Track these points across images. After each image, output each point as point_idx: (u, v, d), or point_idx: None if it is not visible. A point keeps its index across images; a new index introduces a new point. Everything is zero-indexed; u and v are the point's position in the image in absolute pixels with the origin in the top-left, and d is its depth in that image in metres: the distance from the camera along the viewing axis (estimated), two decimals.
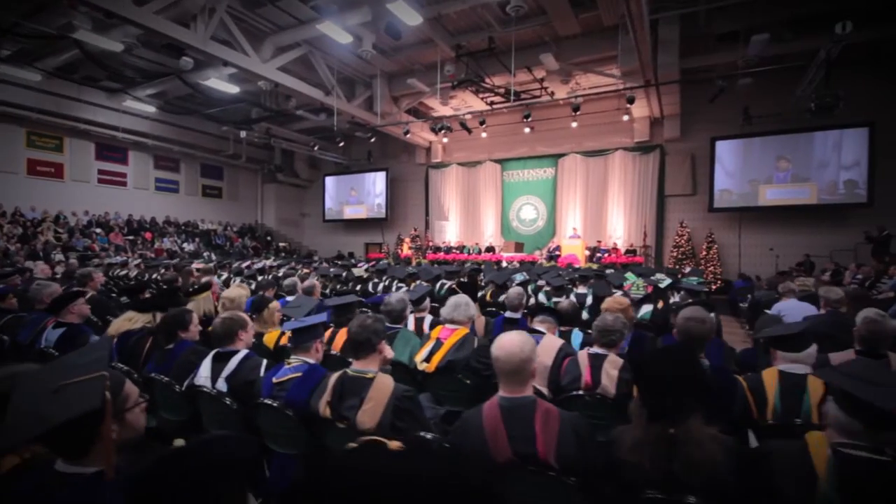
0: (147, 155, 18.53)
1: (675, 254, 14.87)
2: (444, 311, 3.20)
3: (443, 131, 14.93)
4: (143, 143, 17.84)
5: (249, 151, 21.12)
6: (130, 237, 16.44)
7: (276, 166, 17.58)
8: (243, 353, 2.52)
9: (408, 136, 17.24)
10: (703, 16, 11.25)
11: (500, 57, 13.40)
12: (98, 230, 15.78)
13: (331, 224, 22.93)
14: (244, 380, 2.42)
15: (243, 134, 16.93)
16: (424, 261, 15.67)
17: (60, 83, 14.79)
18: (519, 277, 5.31)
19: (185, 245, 17.21)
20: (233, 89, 14.32)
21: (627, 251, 15.32)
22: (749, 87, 12.79)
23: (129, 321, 3.10)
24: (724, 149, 14.10)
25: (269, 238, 21.98)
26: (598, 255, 14.59)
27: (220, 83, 13.86)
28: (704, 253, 14.52)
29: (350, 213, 21.61)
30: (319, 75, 14.52)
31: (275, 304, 3.38)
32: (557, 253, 15.01)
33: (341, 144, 17.57)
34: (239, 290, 3.51)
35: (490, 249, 17.60)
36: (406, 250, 17.23)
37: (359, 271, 6.89)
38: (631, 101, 12.75)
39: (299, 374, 2.25)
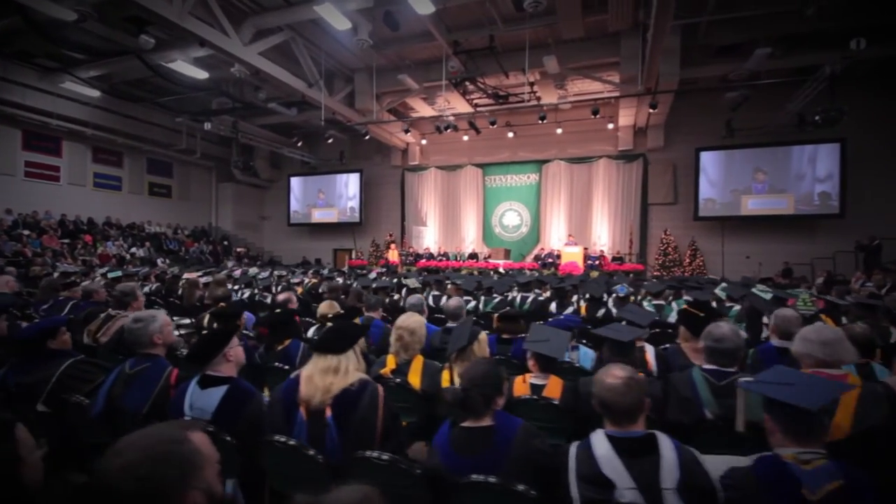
0: (84, 146, 16.16)
1: (661, 260, 15.08)
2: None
3: (448, 129, 14.20)
4: (81, 133, 15.52)
5: (204, 147, 19.19)
6: (66, 240, 14.15)
7: (244, 163, 15.92)
8: None
9: (391, 136, 16.39)
10: (704, 27, 11.43)
11: (498, 57, 12.96)
12: (27, 232, 13.41)
13: (295, 228, 21.35)
14: None
15: (208, 126, 15.19)
16: (413, 268, 14.79)
17: None
18: (622, 290, 4.75)
19: (133, 250, 15.10)
20: (200, 74, 12.78)
21: (614, 258, 15.37)
22: (735, 99, 13.28)
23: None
24: (707, 159, 14.54)
25: (225, 242, 20.01)
26: (591, 262, 14.44)
27: (186, 67, 12.31)
28: (689, 260, 14.84)
29: (319, 216, 20.20)
30: (300, 66, 13.31)
31: (484, 337, 2.54)
32: (551, 260, 14.73)
33: (330, 141, 16.41)
34: (417, 318, 2.63)
35: (473, 256, 17.05)
36: (394, 257, 16.22)
37: (412, 282, 5.98)
38: (654, 106, 12.67)
39: None
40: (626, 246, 15.95)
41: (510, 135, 16.58)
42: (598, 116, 15.75)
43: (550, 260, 14.75)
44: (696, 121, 14.76)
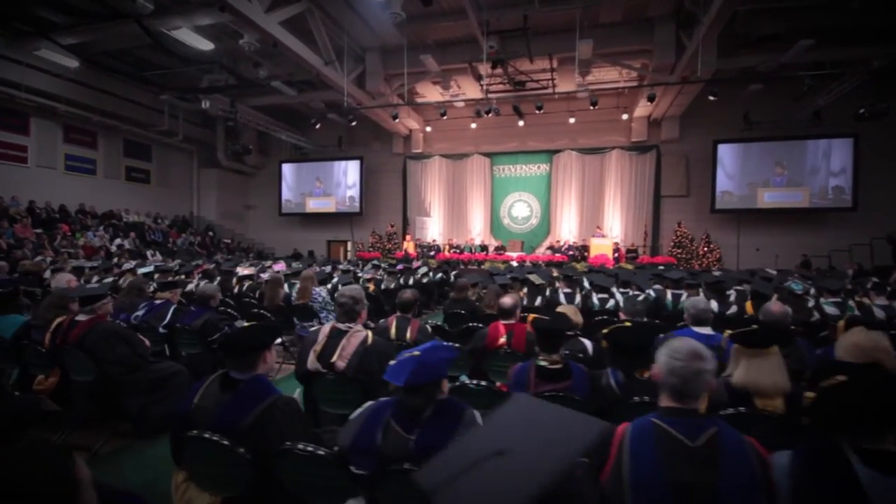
0: (55, 124, 14.30)
1: (676, 253, 15.07)
2: None
3: (489, 113, 13.48)
4: (51, 109, 13.69)
5: (186, 129, 17.58)
6: (38, 230, 12.48)
7: (242, 147, 14.58)
8: None
9: (396, 121, 15.48)
10: (743, 16, 11.26)
11: (529, 39, 12.36)
12: None
13: (284, 218, 20.03)
14: None
15: (206, 104, 13.76)
16: (433, 261, 14.07)
17: None
18: (798, 287, 4.31)
19: (119, 241, 13.54)
20: (205, 45, 11.53)
21: (629, 251, 15.22)
22: (757, 91, 13.34)
23: None
24: (725, 152, 14.58)
25: (210, 233, 18.48)
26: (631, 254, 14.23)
27: (191, 36, 11.01)
28: (704, 251, 14.91)
29: (314, 205, 19.01)
30: (313, 42, 12.22)
31: None
32: (572, 252, 14.40)
33: (353, 123, 15.23)
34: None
35: (483, 248, 16.50)
36: (411, 249, 15.41)
37: (535, 277, 5.25)
38: (651, 98, 12.47)
39: None
40: (640, 238, 15.86)
41: (521, 123, 16.04)
42: (612, 107, 15.68)
43: (572, 252, 14.39)
44: (712, 113, 14.72)
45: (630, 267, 12.24)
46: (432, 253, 16.05)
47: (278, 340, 4.85)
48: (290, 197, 19.27)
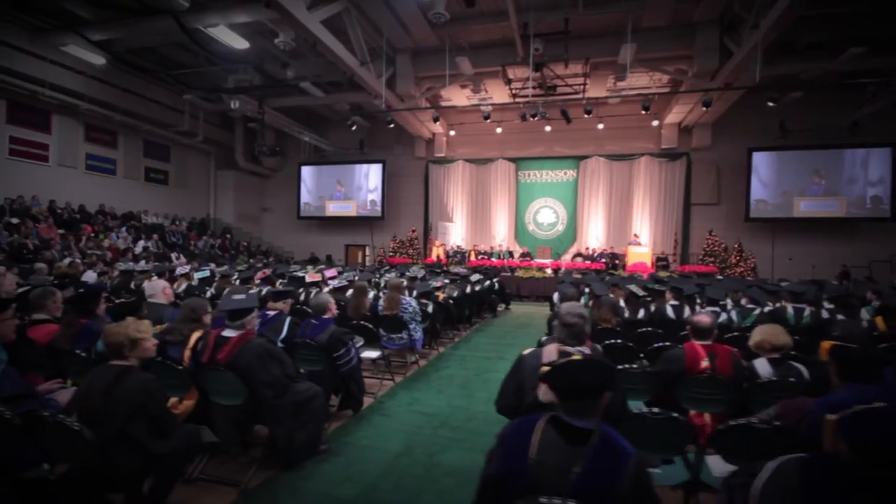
0: (76, 122, 13.91)
1: (708, 262, 14.85)
2: None
3: (536, 117, 13.18)
4: (73, 107, 13.32)
5: (206, 130, 17.22)
6: (60, 231, 12.07)
7: (269, 148, 14.22)
8: None
9: (437, 122, 15.24)
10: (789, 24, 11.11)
11: (568, 43, 12.17)
12: (15, 220, 11.27)
13: (301, 221, 19.64)
14: None
15: (235, 104, 13.42)
16: (464, 267, 13.75)
17: None
18: None
19: (142, 243, 13.12)
20: (241, 44, 11.19)
21: (659, 259, 14.99)
22: (794, 99, 13.20)
23: None
24: (760, 160, 14.42)
25: (228, 236, 18.08)
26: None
27: (227, 34, 10.70)
28: (737, 260, 14.71)
29: (334, 209, 18.66)
30: (348, 42, 11.94)
31: None
32: (604, 261, 14.15)
33: (392, 125, 14.98)
34: None
35: (508, 255, 16.21)
36: (439, 254, 15.09)
37: (636, 288, 4.94)
38: (707, 103, 12.27)
39: None
40: (669, 246, 15.66)
41: (548, 129, 15.80)
42: (642, 113, 15.50)
43: (604, 260, 14.14)
44: (746, 120, 14.59)
45: (665, 275, 11.99)
46: (457, 259, 15.77)
47: (375, 354, 4.54)
48: (310, 200, 18.92)
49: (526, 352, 2.24)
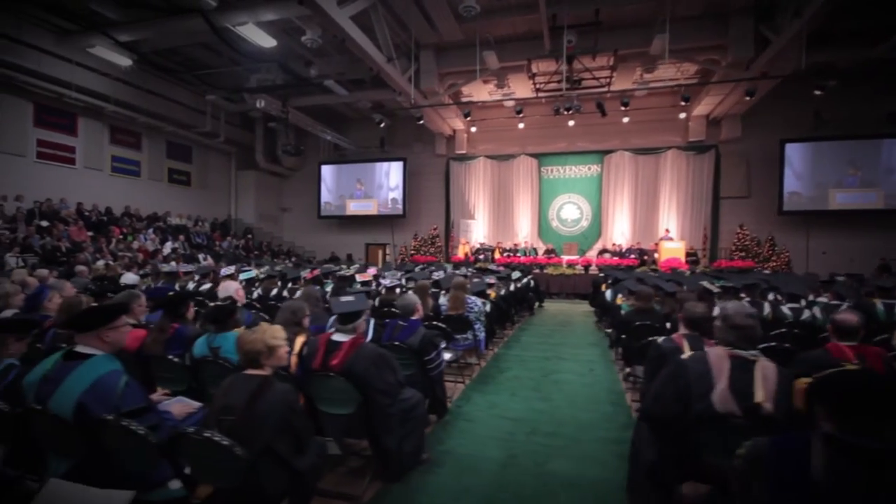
0: (101, 125, 13.89)
1: (739, 256, 14.54)
2: None
3: (570, 110, 13.02)
4: (98, 109, 13.30)
5: (227, 130, 17.17)
6: (90, 233, 12.05)
7: (293, 147, 14.13)
8: None
9: (468, 118, 15.08)
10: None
11: (598, 34, 11.93)
12: (44, 223, 11.26)
13: (320, 221, 19.53)
14: None
15: (260, 104, 13.32)
16: (493, 265, 13.59)
17: None
18: None
19: (169, 244, 13.08)
20: (268, 42, 11.06)
21: (689, 254, 14.69)
22: (830, 89, 12.84)
23: None
24: (793, 151, 14.08)
25: (249, 236, 18.04)
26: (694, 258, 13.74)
27: (256, 32, 10.57)
28: (770, 254, 14.39)
29: (355, 208, 18.54)
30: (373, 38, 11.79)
31: None
32: (632, 256, 13.92)
33: (421, 121, 14.88)
34: None
35: (533, 252, 16.01)
36: (465, 252, 14.93)
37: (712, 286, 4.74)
38: (751, 93, 11.92)
39: None
40: (698, 241, 15.37)
41: (571, 123, 15.55)
42: (669, 105, 15.23)
43: (633, 256, 13.89)
44: (778, 111, 14.25)
45: (696, 271, 11.75)
46: (482, 257, 15.59)
47: (448, 356, 4.38)
48: (330, 199, 18.81)
49: (685, 356, 2.06)
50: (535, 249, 16.08)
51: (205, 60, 14.00)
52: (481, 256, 15.42)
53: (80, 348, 1.92)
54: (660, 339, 2.79)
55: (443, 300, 5.03)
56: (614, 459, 3.00)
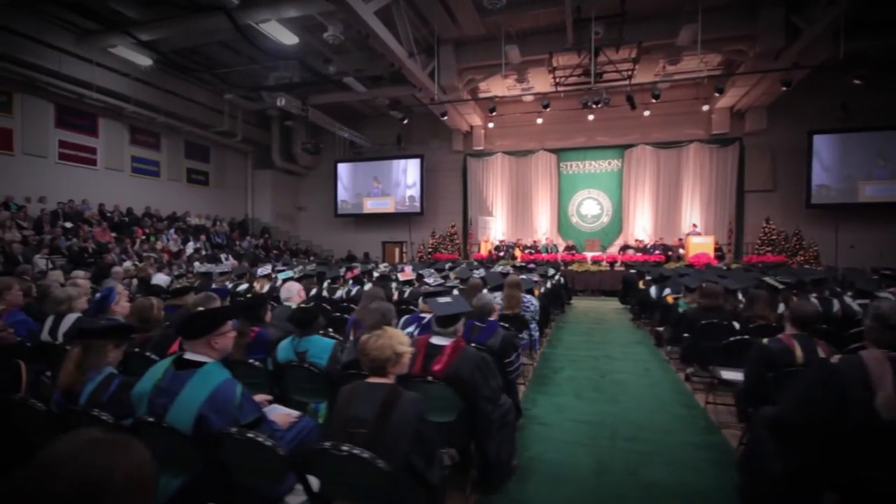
0: (122, 125, 13.86)
1: (765, 250, 14.30)
2: None
3: (599, 104, 12.78)
4: (118, 109, 13.26)
5: (245, 130, 17.12)
6: (114, 234, 12.03)
7: (313, 145, 14.03)
8: None
9: (493, 113, 14.88)
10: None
11: (624, 26, 11.71)
12: (67, 224, 11.24)
13: (337, 219, 19.46)
14: None
15: (281, 102, 13.22)
16: (516, 261, 13.44)
17: (11, 12, 10.26)
18: None
19: (191, 244, 13.05)
20: (291, 39, 10.96)
21: (714, 249, 14.45)
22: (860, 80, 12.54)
23: None
24: (821, 143, 13.81)
25: (266, 236, 18.00)
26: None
27: (279, 29, 10.47)
28: (797, 248, 14.13)
29: (372, 206, 18.44)
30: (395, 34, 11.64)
31: None
32: (656, 251, 13.71)
33: (445, 117, 14.84)
34: None
35: (553, 248, 15.82)
36: (487, 249, 14.80)
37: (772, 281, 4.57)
38: (788, 83, 11.67)
39: None
40: (723, 236, 15.13)
41: (590, 118, 15.34)
42: (691, 98, 15.00)
43: (658, 251, 13.69)
44: (805, 102, 13.96)
45: (724, 267, 11.53)
46: (503, 254, 15.44)
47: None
48: (347, 197, 18.73)
49: (834, 359, 1.92)
50: (555, 246, 15.91)
51: (223, 59, 13.92)
52: (502, 254, 15.27)
53: (189, 355, 1.81)
54: (765, 340, 2.64)
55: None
56: (709, 466, 2.86)
